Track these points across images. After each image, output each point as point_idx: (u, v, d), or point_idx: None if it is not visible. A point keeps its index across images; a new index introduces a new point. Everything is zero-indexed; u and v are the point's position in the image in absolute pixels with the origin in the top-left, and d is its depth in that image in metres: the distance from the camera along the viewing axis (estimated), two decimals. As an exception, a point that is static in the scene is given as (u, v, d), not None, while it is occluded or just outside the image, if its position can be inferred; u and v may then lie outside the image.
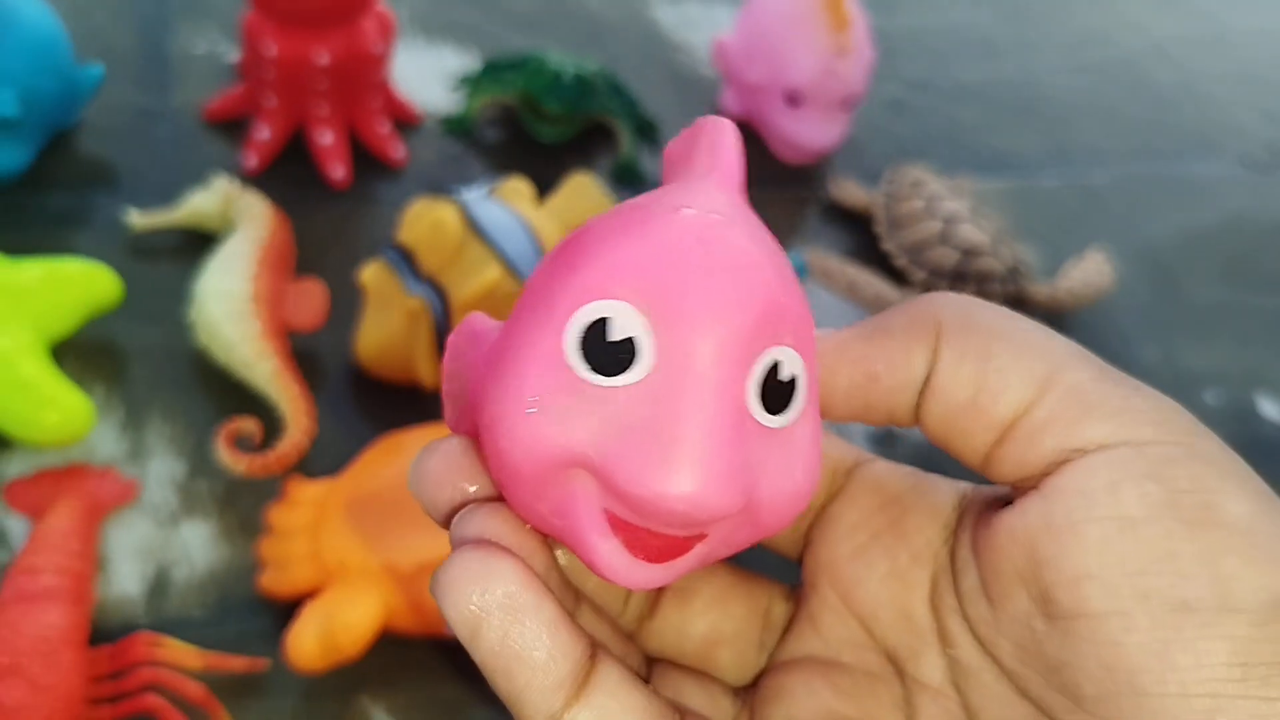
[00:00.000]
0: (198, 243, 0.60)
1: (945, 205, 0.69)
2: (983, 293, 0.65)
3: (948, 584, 0.24)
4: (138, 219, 0.60)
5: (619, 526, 0.20)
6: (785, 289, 0.21)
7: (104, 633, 0.47)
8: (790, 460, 0.21)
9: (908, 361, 0.23)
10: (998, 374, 0.22)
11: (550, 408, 0.20)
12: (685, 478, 0.19)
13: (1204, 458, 0.21)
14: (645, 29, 0.84)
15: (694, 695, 0.26)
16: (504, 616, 0.20)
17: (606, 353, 0.20)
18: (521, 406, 0.20)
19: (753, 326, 0.20)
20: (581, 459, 0.20)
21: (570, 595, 0.24)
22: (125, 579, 0.49)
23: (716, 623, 0.27)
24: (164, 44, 0.71)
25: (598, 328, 0.20)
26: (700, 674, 0.26)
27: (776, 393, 0.20)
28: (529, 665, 0.20)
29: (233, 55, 0.72)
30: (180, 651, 0.46)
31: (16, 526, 0.50)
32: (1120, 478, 0.21)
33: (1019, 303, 0.67)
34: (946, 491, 0.25)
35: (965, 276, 0.65)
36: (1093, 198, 0.82)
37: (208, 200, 0.59)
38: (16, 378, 0.50)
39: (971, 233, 0.67)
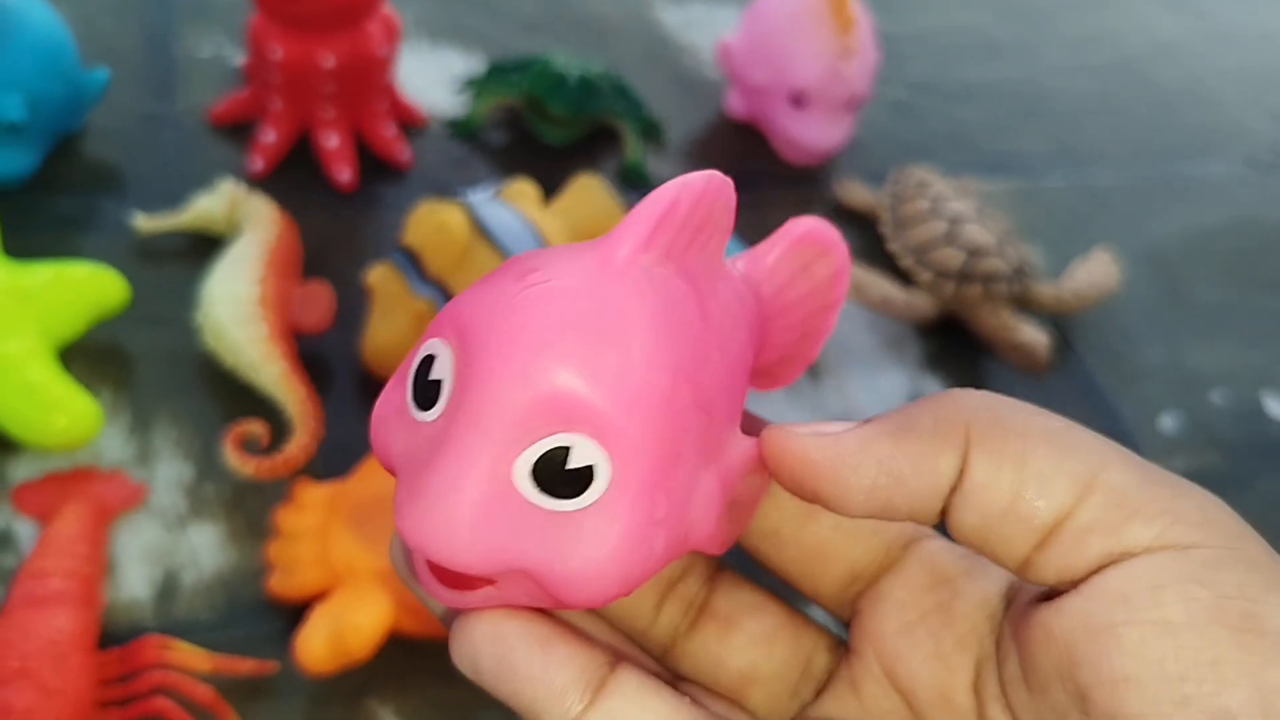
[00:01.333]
0: (204, 246, 0.60)
1: (951, 206, 0.69)
2: (989, 293, 0.65)
3: (992, 671, 0.24)
4: (144, 222, 0.60)
5: None
6: (617, 378, 0.20)
7: (112, 636, 0.47)
8: (573, 542, 0.20)
9: (935, 466, 0.22)
10: (1038, 479, 0.22)
11: (383, 417, 0.22)
12: (421, 519, 0.20)
13: (1250, 563, 0.20)
14: (649, 31, 0.85)
15: (725, 714, 0.26)
16: (494, 645, 0.22)
17: (424, 389, 0.21)
18: (375, 409, 0.22)
19: (537, 403, 0.20)
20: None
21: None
22: (133, 582, 0.49)
23: (757, 661, 0.27)
24: (169, 48, 0.72)
25: (426, 363, 0.21)
26: (731, 701, 0.26)
27: (558, 478, 0.20)
28: (529, 679, 0.21)
29: (238, 59, 0.72)
30: (189, 654, 0.46)
31: (24, 530, 0.50)
32: (1164, 581, 0.20)
33: (1024, 303, 0.67)
34: (996, 578, 0.25)
35: (971, 277, 0.65)
36: (1097, 198, 0.82)
37: (214, 203, 0.59)
38: (24, 381, 0.50)
39: (977, 233, 0.67)
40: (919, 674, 0.25)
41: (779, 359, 0.27)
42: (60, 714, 0.42)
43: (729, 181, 0.22)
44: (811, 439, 0.23)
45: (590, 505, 0.20)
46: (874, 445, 0.23)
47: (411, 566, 0.22)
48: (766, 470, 0.24)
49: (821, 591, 0.27)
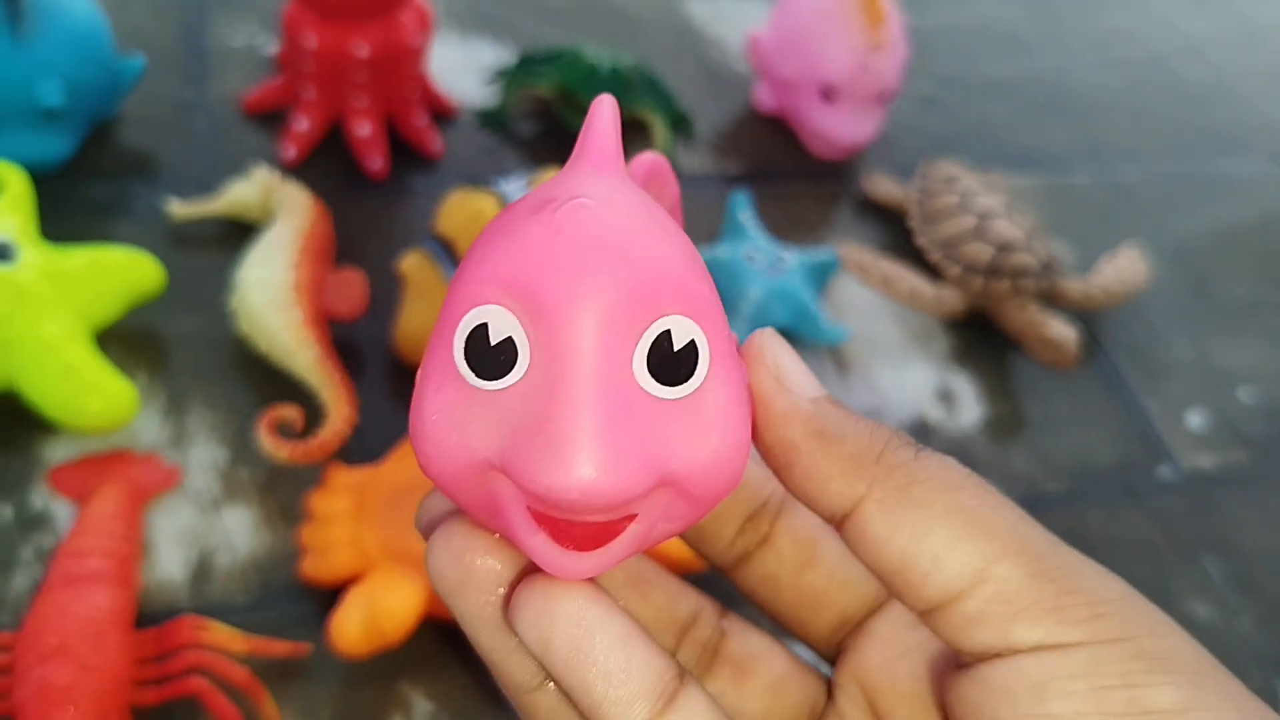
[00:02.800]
0: (238, 232, 0.60)
1: (979, 201, 0.69)
2: (1017, 288, 0.65)
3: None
4: (178, 208, 0.60)
5: (543, 520, 0.21)
6: (669, 260, 0.21)
7: (148, 616, 0.47)
8: (702, 428, 0.21)
9: (825, 493, 0.23)
10: (930, 558, 0.22)
11: (449, 419, 0.21)
12: (574, 468, 0.19)
13: (1136, 653, 0.21)
14: (678, 24, 0.85)
15: None
16: (573, 629, 0.21)
17: (489, 357, 0.21)
18: (426, 420, 0.21)
19: (626, 303, 0.20)
20: (488, 463, 0.20)
21: None
22: (169, 564, 0.50)
23: (770, 707, 0.27)
24: (202, 36, 0.72)
25: (479, 334, 0.21)
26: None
27: (671, 363, 0.20)
28: (604, 674, 0.21)
29: (271, 47, 0.72)
30: (224, 635, 0.46)
31: (61, 511, 0.50)
32: (1046, 679, 0.21)
33: (1052, 298, 0.67)
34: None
35: (999, 272, 0.65)
36: (1125, 194, 0.82)
37: (248, 190, 0.60)
38: (62, 363, 0.51)
39: (1006, 228, 0.67)
40: (899, 709, 0.26)
41: None
42: (98, 691, 0.43)
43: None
44: (770, 379, 0.23)
45: (702, 384, 0.21)
46: (808, 441, 0.23)
47: (525, 553, 0.21)
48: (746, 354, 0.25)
49: (812, 634, 0.28)
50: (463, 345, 0.21)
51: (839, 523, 0.23)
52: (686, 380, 0.20)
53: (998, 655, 0.22)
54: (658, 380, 0.20)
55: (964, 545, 0.22)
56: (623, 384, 0.20)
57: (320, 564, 0.49)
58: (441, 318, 0.22)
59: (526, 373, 0.20)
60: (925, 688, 0.26)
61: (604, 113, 0.23)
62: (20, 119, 0.58)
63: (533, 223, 0.21)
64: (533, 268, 0.20)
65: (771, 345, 0.24)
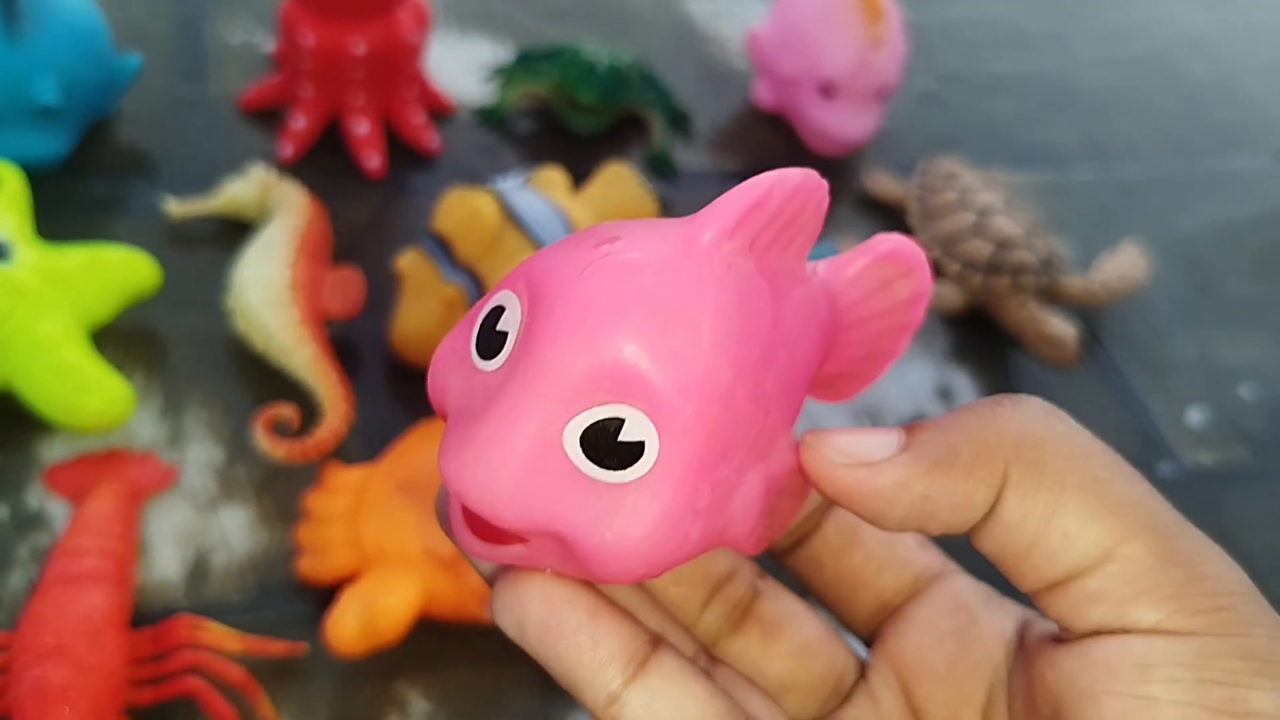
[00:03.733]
0: (234, 231, 0.60)
1: (979, 197, 0.69)
2: (1017, 285, 0.65)
3: (1002, 698, 0.25)
4: (175, 207, 0.60)
5: None
6: (683, 358, 0.20)
7: (144, 616, 0.47)
8: (615, 516, 0.20)
9: (969, 503, 0.22)
10: (1060, 536, 0.22)
11: (446, 367, 0.22)
12: (465, 468, 0.20)
13: (1247, 651, 0.21)
14: (677, 21, 0.84)
15: (758, 708, 0.27)
16: (541, 606, 0.22)
17: (491, 338, 0.21)
18: (438, 351, 0.23)
19: (594, 369, 0.20)
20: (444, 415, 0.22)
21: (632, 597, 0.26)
22: (165, 563, 0.49)
23: (795, 671, 0.27)
24: (200, 34, 0.72)
25: (494, 313, 0.21)
26: (762, 693, 0.27)
27: (607, 447, 0.20)
28: (575, 645, 0.22)
29: (268, 45, 0.72)
30: (221, 635, 0.46)
31: (57, 510, 0.50)
32: (1153, 662, 0.21)
33: (1052, 295, 0.67)
34: (1012, 613, 0.26)
35: (999, 269, 0.65)
36: (1126, 191, 0.82)
37: (245, 188, 0.59)
38: (58, 362, 0.50)
39: (1005, 225, 0.66)
40: (933, 693, 0.26)
41: (843, 373, 0.27)
42: (95, 691, 0.42)
43: (824, 184, 0.22)
44: (848, 471, 0.23)
45: (634, 481, 0.20)
46: (912, 483, 0.23)
47: (448, 514, 0.22)
48: (808, 479, 0.23)
49: (852, 617, 0.28)
50: (483, 315, 0.21)
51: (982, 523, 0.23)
52: (616, 469, 0.20)
53: (1109, 633, 0.22)
54: (586, 453, 0.20)
55: (1095, 523, 0.22)
56: (551, 436, 0.20)
57: (317, 563, 0.49)
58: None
59: (497, 371, 0.21)
60: (963, 672, 0.26)
61: (753, 189, 0.21)
62: (16, 117, 0.58)
63: (588, 246, 0.21)
64: (553, 280, 0.20)
65: (824, 445, 0.23)
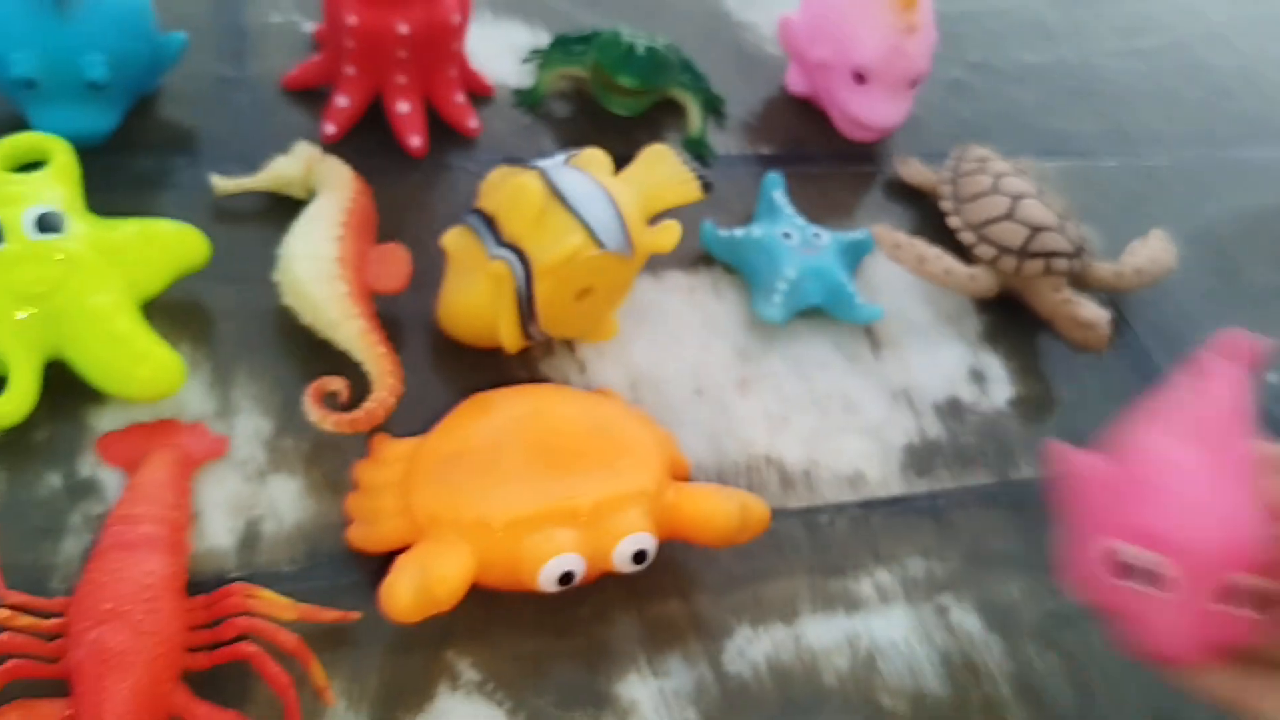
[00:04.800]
0: (279, 206, 0.61)
1: (1012, 183, 0.69)
2: (1050, 269, 0.65)
3: None
4: (221, 183, 0.60)
5: None
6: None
7: (197, 583, 0.48)
8: None
9: None
10: None
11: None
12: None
13: None
14: (709, 6, 0.85)
15: None
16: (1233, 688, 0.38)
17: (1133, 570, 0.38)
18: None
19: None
20: None
21: None
22: (216, 531, 0.50)
23: None
24: (241, 13, 0.72)
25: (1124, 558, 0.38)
26: None
27: None
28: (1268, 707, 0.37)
29: (307, 25, 0.73)
30: (274, 602, 0.47)
31: (109, 479, 0.51)
32: None
33: (1082, 281, 0.68)
34: None
35: (1033, 253, 0.65)
36: (1151, 180, 0.82)
37: (290, 165, 0.60)
38: (111, 333, 0.51)
39: (1039, 210, 0.67)
40: None
41: None
42: (152, 655, 0.43)
43: None
44: None
45: None
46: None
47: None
48: None
49: None
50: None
51: None
52: None
53: None
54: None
55: None
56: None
57: (368, 533, 0.50)
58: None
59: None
60: None
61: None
62: (66, 93, 0.58)
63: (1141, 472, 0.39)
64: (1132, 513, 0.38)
65: None
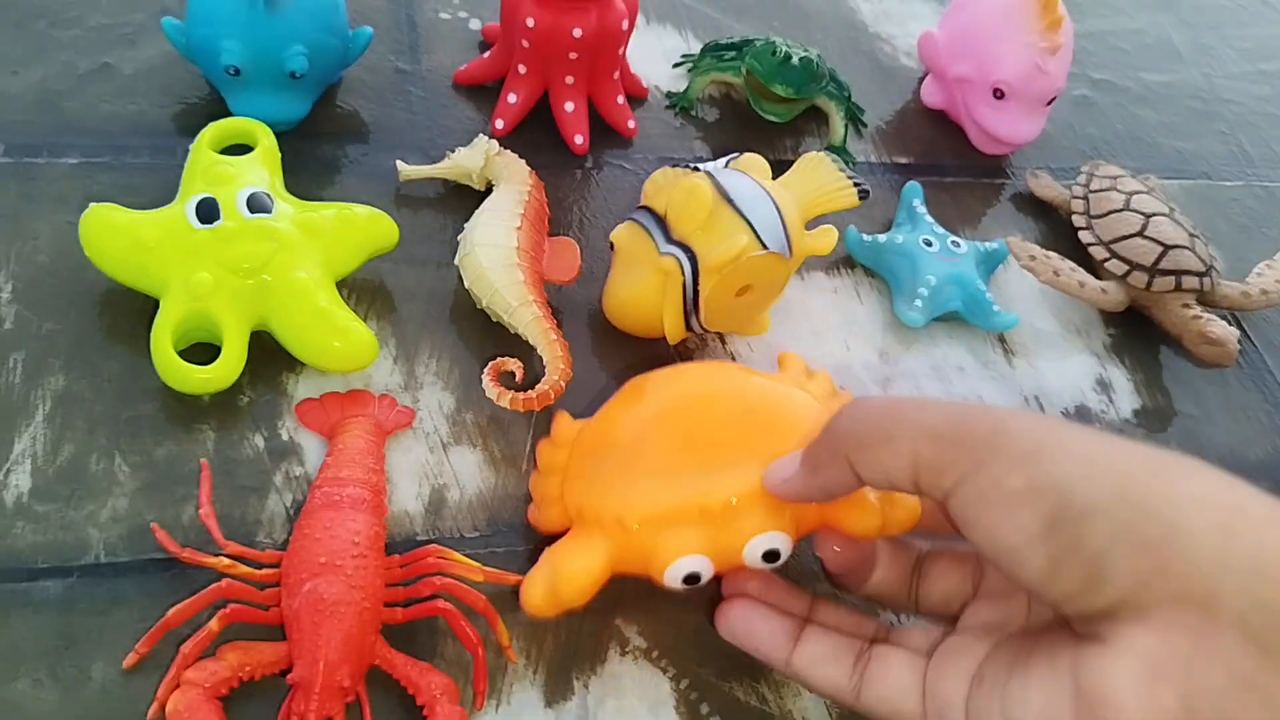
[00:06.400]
0: (453, 195, 0.65)
1: (1144, 200, 0.72)
2: (1180, 286, 0.68)
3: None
4: (405, 169, 0.64)
5: None
6: None
7: (390, 544, 0.51)
8: None
9: (841, 483, 0.44)
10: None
11: None
12: None
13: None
14: (847, 18, 0.88)
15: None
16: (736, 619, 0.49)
17: None
18: None
19: None
20: None
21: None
22: (404, 497, 0.54)
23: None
24: (413, 9, 0.76)
25: None
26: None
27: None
28: (757, 638, 0.48)
29: (474, 22, 0.76)
30: (464, 565, 0.50)
31: (306, 442, 0.54)
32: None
33: (1209, 299, 0.70)
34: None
35: (1165, 270, 0.68)
36: (1273, 201, 0.84)
37: (471, 156, 0.64)
38: (312, 308, 0.55)
39: (1171, 228, 0.69)
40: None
41: None
42: (360, 608, 0.47)
43: None
44: (779, 486, 0.47)
45: None
46: (806, 483, 0.45)
47: None
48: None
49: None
50: None
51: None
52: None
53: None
54: None
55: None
56: None
57: (539, 516, 0.53)
58: None
59: None
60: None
61: None
62: (266, 81, 0.62)
63: None
64: None
65: (768, 474, 0.47)
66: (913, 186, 0.71)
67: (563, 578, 0.47)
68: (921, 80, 0.83)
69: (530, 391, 0.57)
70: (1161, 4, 1.00)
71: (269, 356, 0.56)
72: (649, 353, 0.61)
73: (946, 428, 0.39)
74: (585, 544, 0.48)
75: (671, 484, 0.48)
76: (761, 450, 0.48)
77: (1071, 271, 0.68)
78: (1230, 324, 0.70)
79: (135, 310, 0.56)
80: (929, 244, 0.67)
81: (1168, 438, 0.66)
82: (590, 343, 0.62)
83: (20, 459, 0.51)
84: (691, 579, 0.47)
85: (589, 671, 0.51)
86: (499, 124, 0.69)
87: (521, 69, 0.68)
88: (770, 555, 0.47)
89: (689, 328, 0.59)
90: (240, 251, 0.55)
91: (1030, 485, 0.36)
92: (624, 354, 0.61)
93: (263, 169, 0.59)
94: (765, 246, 0.57)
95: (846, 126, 0.76)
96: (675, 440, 0.50)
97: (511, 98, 0.68)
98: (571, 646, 0.51)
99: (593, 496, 0.50)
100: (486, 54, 0.72)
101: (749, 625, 0.48)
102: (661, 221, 0.59)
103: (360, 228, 0.58)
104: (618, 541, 0.48)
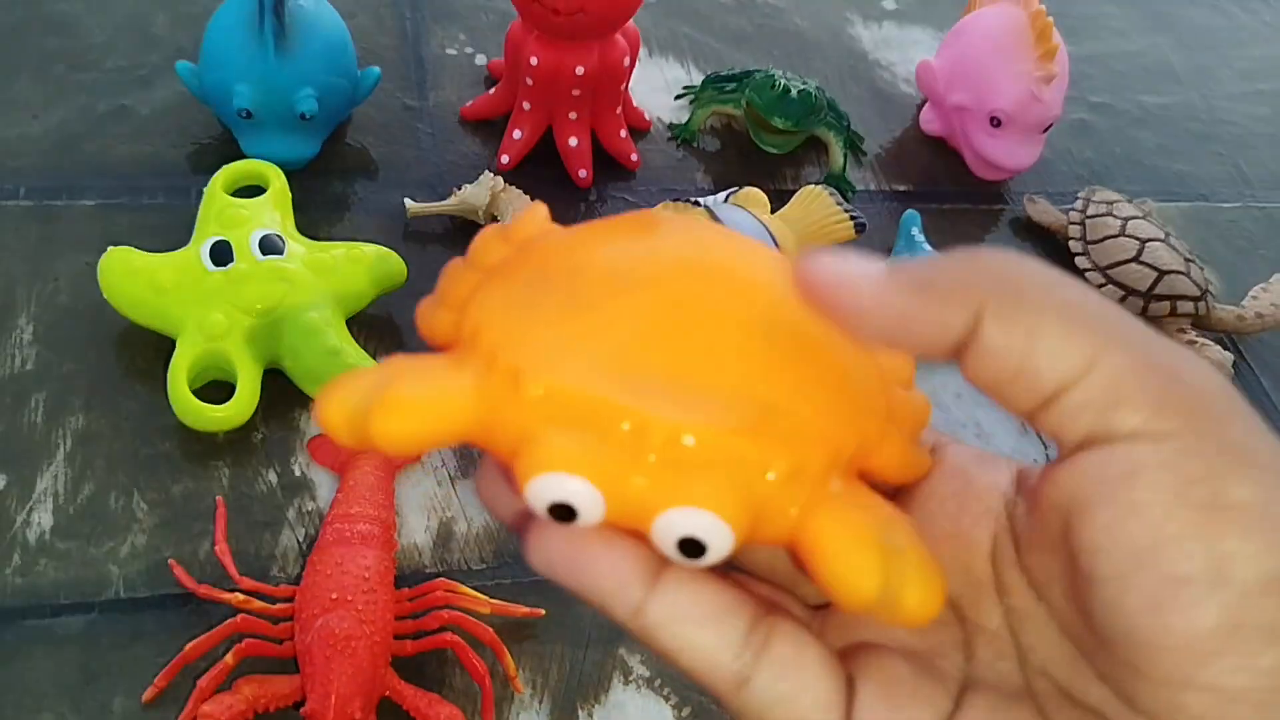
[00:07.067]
0: (460, 230, 0.66)
1: (1140, 226, 0.73)
2: (1175, 311, 0.69)
3: (1007, 541, 0.28)
4: (413, 206, 0.66)
5: None
6: None
7: (399, 577, 0.53)
8: None
9: (943, 323, 0.24)
10: (1044, 355, 0.24)
11: None
12: None
13: (1224, 444, 0.23)
14: (846, 47, 0.89)
15: (771, 593, 0.30)
16: (565, 545, 0.25)
17: None
18: None
19: None
20: None
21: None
22: (413, 530, 0.55)
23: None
24: (420, 47, 0.78)
25: None
26: (781, 588, 0.30)
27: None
28: (598, 572, 0.25)
29: (479, 58, 0.78)
30: (472, 597, 0.52)
31: (318, 477, 0.56)
32: (1137, 467, 0.23)
33: (1205, 322, 0.71)
34: (1005, 466, 0.29)
35: (1160, 295, 0.69)
36: (1270, 223, 0.85)
37: (477, 192, 0.65)
38: (323, 346, 0.57)
39: (1166, 253, 0.71)
40: (944, 553, 0.28)
41: None
42: (371, 642, 0.48)
43: None
44: (833, 286, 0.25)
45: None
46: (891, 299, 0.25)
47: None
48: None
49: None
50: None
51: (962, 351, 0.25)
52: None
53: (1096, 443, 0.24)
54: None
55: (1074, 339, 0.24)
56: None
57: (429, 315, 0.29)
58: None
59: None
60: (966, 526, 0.28)
61: None
62: (277, 122, 0.64)
63: None
64: None
65: (814, 262, 0.25)
66: (911, 214, 0.73)
67: (394, 399, 0.25)
68: (921, 107, 0.84)
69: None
70: (1159, 26, 1.01)
71: (282, 393, 0.58)
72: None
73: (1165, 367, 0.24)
74: (450, 374, 0.27)
75: (617, 366, 0.27)
76: (764, 390, 0.27)
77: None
78: (1226, 348, 0.72)
79: (152, 349, 0.57)
80: (927, 272, 0.69)
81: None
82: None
83: (43, 497, 0.53)
84: (562, 511, 0.27)
85: (593, 701, 0.52)
86: (504, 159, 0.70)
87: (526, 105, 0.69)
88: (690, 546, 0.27)
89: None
90: (253, 293, 0.56)
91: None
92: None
93: (274, 211, 0.60)
94: (764, 281, 0.58)
95: (846, 155, 0.77)
96: (660, 313, 0.28)
97: (516, 133, 0.70)
98: (576, 676, 0.52)
99: (503, 323, 0.28)
100: (492, 90, 0.73)
101: (580, 551, 0.25)
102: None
103: (369, 266, 0.60)
104: (496, 398, 0.26)
